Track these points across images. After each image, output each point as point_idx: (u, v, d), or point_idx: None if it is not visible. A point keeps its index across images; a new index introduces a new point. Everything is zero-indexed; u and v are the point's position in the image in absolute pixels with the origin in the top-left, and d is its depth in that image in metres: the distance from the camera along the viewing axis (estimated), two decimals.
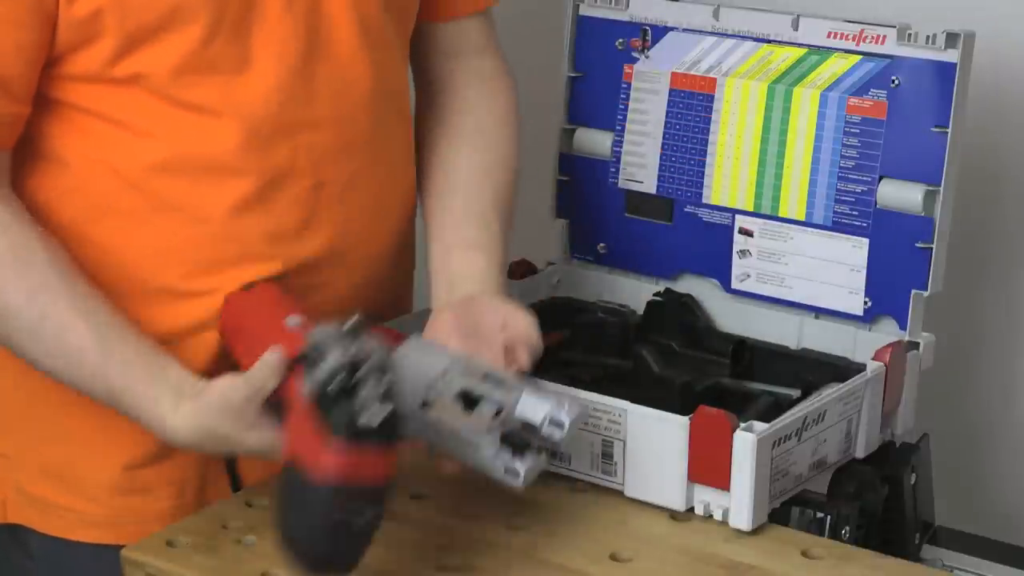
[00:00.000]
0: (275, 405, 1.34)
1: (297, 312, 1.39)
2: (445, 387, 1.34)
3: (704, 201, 1.67)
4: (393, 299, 1.63)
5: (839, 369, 1.56)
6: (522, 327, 1.45)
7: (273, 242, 1.48)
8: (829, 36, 1.61)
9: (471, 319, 1.46)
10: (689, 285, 1.70)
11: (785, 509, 1.44)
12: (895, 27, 1.56)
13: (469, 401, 1.33)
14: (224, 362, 1.43)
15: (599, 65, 1.73)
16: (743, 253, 1.65)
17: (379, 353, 1.25)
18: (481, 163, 1.60)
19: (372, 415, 1.22)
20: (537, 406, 1.32)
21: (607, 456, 1.46)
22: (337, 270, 1.52)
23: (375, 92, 1.52)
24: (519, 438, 1.32)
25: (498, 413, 1.32)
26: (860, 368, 1.53)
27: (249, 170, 1.46)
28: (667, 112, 1.68)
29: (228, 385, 1.36)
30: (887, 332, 1.58)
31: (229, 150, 1.45)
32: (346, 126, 1.50)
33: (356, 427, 1.22)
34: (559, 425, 1.32)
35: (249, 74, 1.44)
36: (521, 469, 1.31)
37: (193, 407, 1.37)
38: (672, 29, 1.69)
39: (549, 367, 1.59)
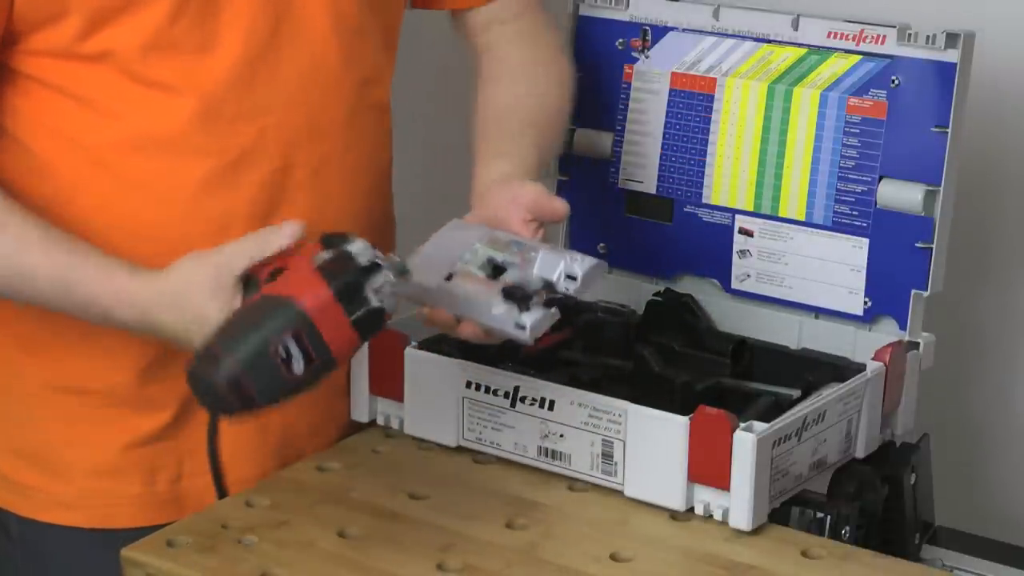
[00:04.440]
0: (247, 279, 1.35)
1: None
2: (473, 258, 1.40)
3: (704, 201, 1.67)
4: None
5: (839, 369, 1.56)
6: (530, 194, 1.44)
7: (240, 223, 1.48)
8: (829, 36, 1.61)
9: (483, 212, 1.47)
10: (689, 285, 1.70)
11: (785, 509, 1.44)
12: (895, 27, 1.56)
13: (496, 269, 1.39)
14: None
15: (599, 65, 1.73)
16: (743, 253, 1.65)
17: (399, 262, 1.32)
18: (514, 93, 1.61)
19: (373, 296, 1.28)
20: (552, 263, 1.38)
21: (607, 456, 1.46)
22: None
23: (347, 79, 1.52)
24: (521, 293, 1.36)
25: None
26: (860, 368, 1.53)
27: (211, 150, 1.47)
28: (667, 112, 1.68)
29: (226, 248, 1.36)
30: (887, 332, 1.58)
31: (191, 129, 1.45)
32: (315, 111, 1.51)
33: (351, 291, 1.27)
34: (573, 278, 1.37)
35: (213, 54, 1.45)
36: (527, 322, 1.35)
37: (156, 274, 1.37)
38: (672, 29, 1.69)
39: (549, 367, 1.59)
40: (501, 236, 1.41)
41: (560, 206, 1.44)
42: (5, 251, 1.41)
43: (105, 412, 1.50)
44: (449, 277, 1.39)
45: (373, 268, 1.29)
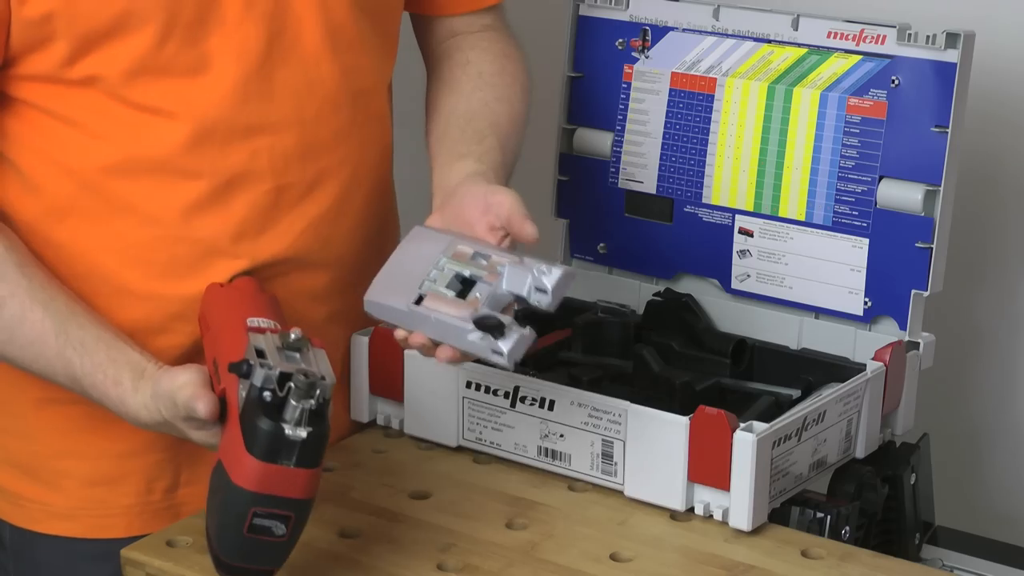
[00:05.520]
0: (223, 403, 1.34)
1: (267, 312, 1.39)
2: (439, 275, 1.37)
3: (704, 201, 1.67)
4: None
5: (839, 369, 1.56)
6: (505, 204, 1.42)
7: (232, 244, 1.48)
8: (829, 36, 1.61)
9: (452, 210, 1.45)
10: (689, 285, 1.70)
11: (785, 509, 1.45)
12: (895, 27, 1.56)
13: (466, 283, 1.36)
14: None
15: (599, 65, 1.73)
16: (743, 253, 1.65)
17: (314, 371, 1.25)
18: (480, 98, 1.59)
19: (292, 435, 1.23)
20: (520, 278, 1.34)
21: (607, 456, 1.46)
22: (305, 272, 1.52)
23: (343, 93, 1.51)
24: (494, 321, 1.32)
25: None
26: (860, 368, 1.54)
27: (203, 172, 1.46)
28: (667, 112, 1.68)
29: (177, 384, 1.34)
30: (887, 332, 1.58)
31: (182, 152, 1.44)
32: (309, 128, 1.49)
33: (273, 445, 1.23)
34: (543, 291, 1.34)
35: (205, 76, 1.44)
36: (504, 349, 1.32)
37: (151, 391, 1.37)
38: (672, 29, 1.69)
39: (549, 367, 1.59)
40: (465, 248, 1.38)
41: (531, 231, 1.40)
42: (26, 356, 1.43)
43: (100, 422, 1.49)
44: (419, 300, 1.37)
45: (282, 403, 1.23)
